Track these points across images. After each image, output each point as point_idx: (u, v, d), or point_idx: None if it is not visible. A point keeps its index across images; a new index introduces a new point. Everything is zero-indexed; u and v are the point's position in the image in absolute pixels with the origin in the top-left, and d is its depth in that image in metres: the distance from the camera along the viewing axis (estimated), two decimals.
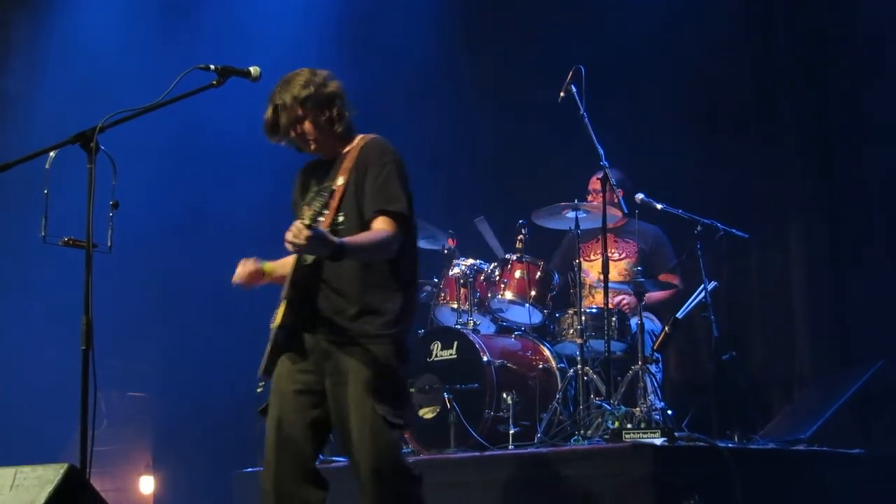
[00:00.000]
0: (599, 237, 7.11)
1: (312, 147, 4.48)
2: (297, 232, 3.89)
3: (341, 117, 4.45)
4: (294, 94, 4.40)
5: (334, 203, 4.31)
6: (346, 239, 4.11)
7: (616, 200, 7.19)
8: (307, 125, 4.43)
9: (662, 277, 7.67)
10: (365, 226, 4.30)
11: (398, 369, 4.33)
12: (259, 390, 4.51)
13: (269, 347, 4.33)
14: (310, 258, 4.29)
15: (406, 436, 6.96)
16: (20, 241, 7.47)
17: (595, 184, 7.52)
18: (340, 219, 4.33)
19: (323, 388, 4.34)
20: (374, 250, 4.25)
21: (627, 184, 7.61)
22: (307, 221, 3.88)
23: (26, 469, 3.84)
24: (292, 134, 4.45)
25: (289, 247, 3.96)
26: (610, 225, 7.28)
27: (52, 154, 4.02)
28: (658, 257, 7.77)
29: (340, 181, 4.36)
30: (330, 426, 4.37)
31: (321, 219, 3.97)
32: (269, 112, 4.47)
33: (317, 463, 4.42)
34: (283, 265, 4.48)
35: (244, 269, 4.49)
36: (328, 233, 4.03)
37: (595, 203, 7.32)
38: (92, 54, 8.55)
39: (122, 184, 4.08)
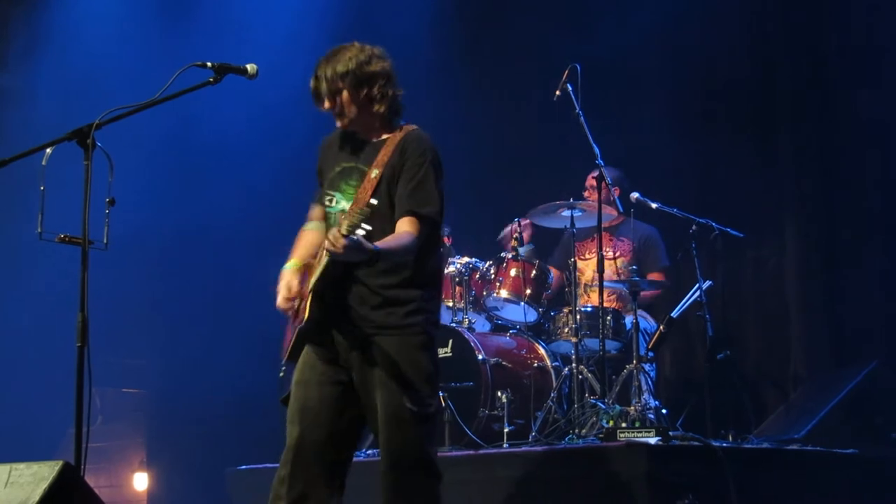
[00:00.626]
0: (595, 235, 7.11)
1: (345, 122, 4.44)
2: (333, 240, 3.91)
3: (383, 97, 4.41)
4: (335, 68, 4.38)
5: (366, 196, 4.27)
6: (379, 244, 4.10)
7: (612, 199, 7.20)
8: (345, 98, 4.39)
9: (651, 276, 7.69)
10: (393, 220, 4.30)
11: (424, 358, 4.31)
12: (281, 374, 4.48)
13: (294, 336, 4.34)
14: None
15: None
16: (16, 238, 7.47)
17: (592, 181, 7.53)
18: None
19: (350, 379, 4.33)
20: (403, 254, 4.24)
21: (624, 182, 7.62)
22: (344, 231, 3.90)
23: (21, 466, 3.83)
24: (328, 104, 4.42)
25: (328, 253, 4.02)
26: (606, 224, 7.29)
27: (48, 150, 4.01)
28: (649, 256, 7.79)
29: (375, 173, 4.33)
30: (362, 419, 4.36)
31: (360, 231, 3.94)
32: (312, 81, 4.44)
33: (348, 457, 4.40)
34: (303, 255, 4.46)
35: (286, 290, 4.39)
36: (364, 240, 3.99)
37: (591, 201, 7.32)
38: (89, 50, 8.52)
39: (119, 180, 4.07)
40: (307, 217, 4.61)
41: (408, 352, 4.27)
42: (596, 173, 7.04)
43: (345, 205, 4.39)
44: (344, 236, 3.89)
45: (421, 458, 4.28)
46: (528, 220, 7.68)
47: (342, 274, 4.27)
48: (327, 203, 4.47)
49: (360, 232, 3.90)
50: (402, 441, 4.24)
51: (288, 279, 4.38)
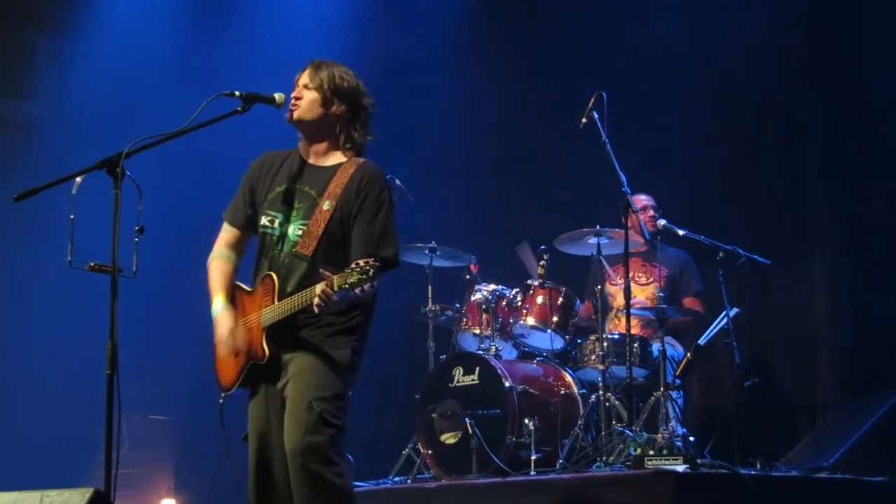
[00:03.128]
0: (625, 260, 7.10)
1: (295, 116, 4.40)
2: (325, 296, 4.00)
3: (347, 121, 4.41)
4: (330, 75, 4.40)
5: (319, 229, 4.29)
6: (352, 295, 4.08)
7: (640, 227, 7.20)
8: (314, 94, 4.39)
9: (686, 301, 7.68)
10: (346, 253, 4.28)
11: (343, 374, 4.26)
12: (221, 402, 4.47)
13: (245, 367, 4.33)
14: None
15: (428, 462, 6.97)
16: (47, 265, 7.51)
17: (638, 202, 7.55)
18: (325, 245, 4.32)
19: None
20: (367, 299, 4.24)
21: (657, 209, 7.70)
22: (335, 288, 3.98)
23: (52, 493, 3.86)
24: (295, 91, 4.42)
25: (317, 309, 4.06)
26: (635, 249, 7.29)
27: (78, 179, 4.04)
28: (684, 281, 7.79)
29: (327, 205, 4.31)
30: None
31: (347, 284, 3.97)
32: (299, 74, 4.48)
33: None
34: (227, 290, 4.46)
35: (232, 343, 4.37)
36: (347, 295, 4.04)
37: (643, 219, 7.36)
38: (117, 77, 8.57)
39: (149, 206, 4.09)
40: (216, 242, 4.56)
41: (326, 364, 4.23)
42: (642, 195, 7.08)
43: (291, 228, 4.36)
44: (335, 292, 3.98)
45: (326, 457, 4.17)
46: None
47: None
48: (266, 223, 4.42)
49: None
50: (307, 440, 4.15)
51: (229, 326, 4.34)
